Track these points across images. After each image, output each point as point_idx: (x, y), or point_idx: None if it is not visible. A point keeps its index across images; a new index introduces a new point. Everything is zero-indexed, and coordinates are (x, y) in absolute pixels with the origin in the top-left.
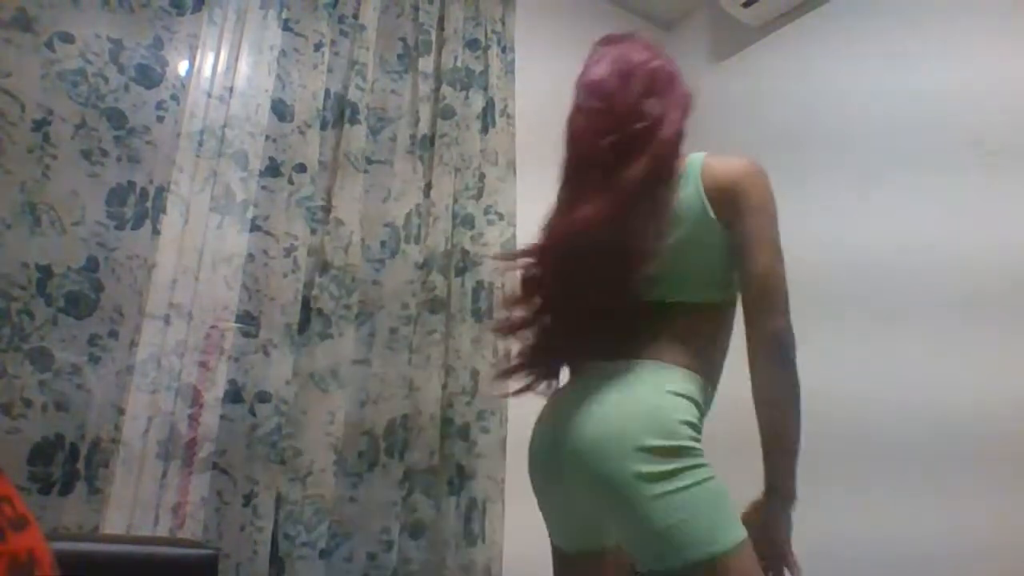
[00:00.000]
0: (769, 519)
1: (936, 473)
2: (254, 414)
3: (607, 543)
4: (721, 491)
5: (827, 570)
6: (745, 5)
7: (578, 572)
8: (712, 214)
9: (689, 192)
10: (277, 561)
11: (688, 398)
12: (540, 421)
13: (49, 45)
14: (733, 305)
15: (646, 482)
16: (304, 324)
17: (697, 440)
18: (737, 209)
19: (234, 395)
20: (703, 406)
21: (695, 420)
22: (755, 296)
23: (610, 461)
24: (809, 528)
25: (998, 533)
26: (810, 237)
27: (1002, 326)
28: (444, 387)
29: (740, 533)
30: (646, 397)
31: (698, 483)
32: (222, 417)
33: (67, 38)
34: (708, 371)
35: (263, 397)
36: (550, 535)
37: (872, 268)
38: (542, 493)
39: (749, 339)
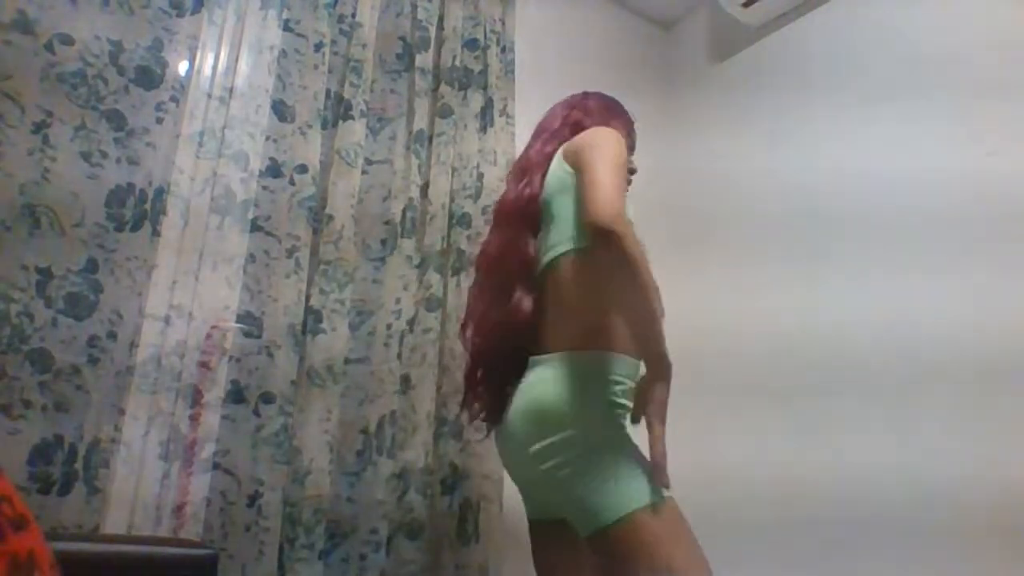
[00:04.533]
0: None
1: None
2: (258, 415)
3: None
4: (602, 466)
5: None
6: (745, 5)
7: (539, 538)
8: None
9: None
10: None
11: (575, 379)
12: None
13: (49, 47)
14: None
15: (540, 462)
16: (305, 323)
17: (585, 413)
18: None
19: (236, 395)
20: (600, 375)
21: (585, 396)
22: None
23: (521, 449)
24: None
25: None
26: None
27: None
28: (439, 387)
29: (624, 507)
30: (536, 394)
31: (578, 456)
32: (224, 417)
33: (67, 40)
34: (602, 340)
35: (267, 398)
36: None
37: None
38: (506, 467)
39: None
